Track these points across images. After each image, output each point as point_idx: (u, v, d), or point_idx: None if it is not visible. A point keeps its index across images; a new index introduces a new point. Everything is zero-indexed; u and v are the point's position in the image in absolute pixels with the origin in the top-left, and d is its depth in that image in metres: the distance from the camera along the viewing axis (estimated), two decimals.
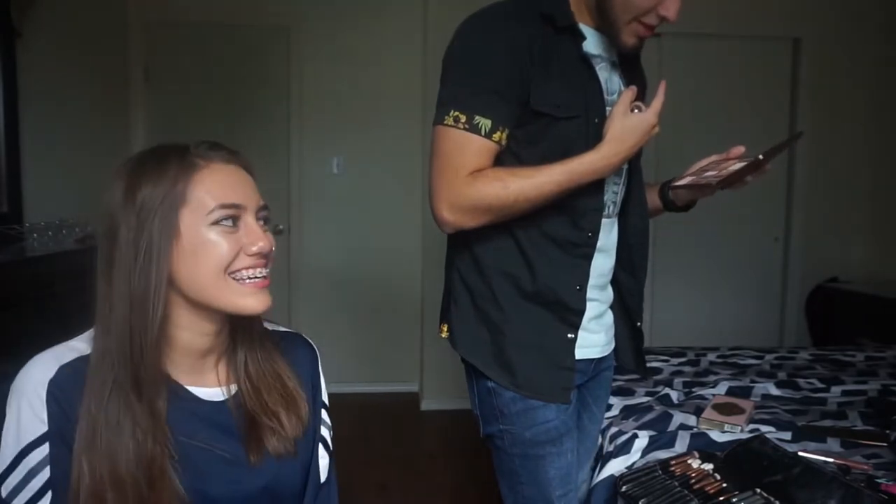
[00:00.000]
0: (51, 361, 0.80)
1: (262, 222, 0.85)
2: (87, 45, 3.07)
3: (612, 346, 1.37)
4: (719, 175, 1.18)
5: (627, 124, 1.11)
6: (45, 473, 0.78)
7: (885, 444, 1.58)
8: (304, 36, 3.68)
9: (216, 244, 0.80)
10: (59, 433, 0.78)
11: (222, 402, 0.88)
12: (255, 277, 0.82)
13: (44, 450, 0.78)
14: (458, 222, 1.14)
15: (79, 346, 0.83)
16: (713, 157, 1.28)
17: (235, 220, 0.81)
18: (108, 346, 0.79)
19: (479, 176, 1.10)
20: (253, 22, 3.66)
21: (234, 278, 0.81)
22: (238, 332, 0.90)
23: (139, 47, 3.55)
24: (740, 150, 1.25)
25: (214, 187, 0.80)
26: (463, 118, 1.10)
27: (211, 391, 0.88)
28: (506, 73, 1.10)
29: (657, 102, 1.13)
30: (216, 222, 0.80)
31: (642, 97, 1.31)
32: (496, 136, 1.11)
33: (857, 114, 3.80)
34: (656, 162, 3.37)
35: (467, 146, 1.11)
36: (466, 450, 3.07)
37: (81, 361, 0.81)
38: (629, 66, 1.29)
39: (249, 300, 0.82)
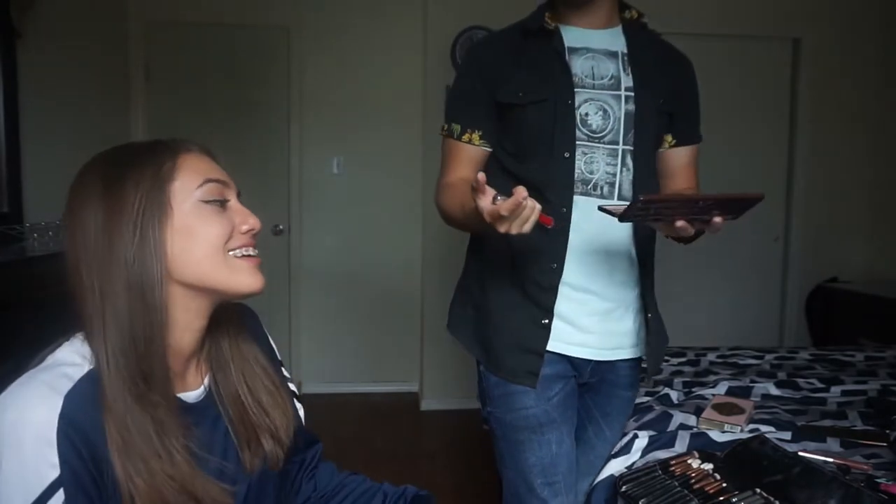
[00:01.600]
0: (50, 395, 0.70)
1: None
2: (87, 45, 3.07)
3: (622, 355, 1.34)
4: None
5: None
6: None
7: (884, 444, 1.58)
8: (304, 36, 3.68)
9: (209, 222, 0.79)
10: (73, 475, 0.69)
11: (204, 399, 0.86)
12: (250, 255, 0.82)
13: (59, 497, 0.68)
14: (439, 212, 1.34)
15: (67, 370, 0.74)
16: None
17: (223, 202, 0.81)
18: (109, 344, 0.74)
19: (446, 187, 1.30)
20: (253, 22, 3.66)
21: (232, 255, 0.81)
22: (223, 331, 0.88)
23: (139, 47, 3.55)
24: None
25: (200, 166, 0.81)
26: (445, 126, 1.34)
27: (194, 393, 0.86)
28: (473, 85, 1.30)
29: (501, 205, 0.99)
30: (205, 201, 0.79)
31: (683, 74, 1.40)
32: (465, 137, 1.31)
33: (857, 114, 3.80)
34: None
35: (448, 148, 1.34)
36: (466, 450, 3.07)
37: (84, 382, 0.73)
38: (639, 53, 1.32)
39: (249, 278, 0.81)
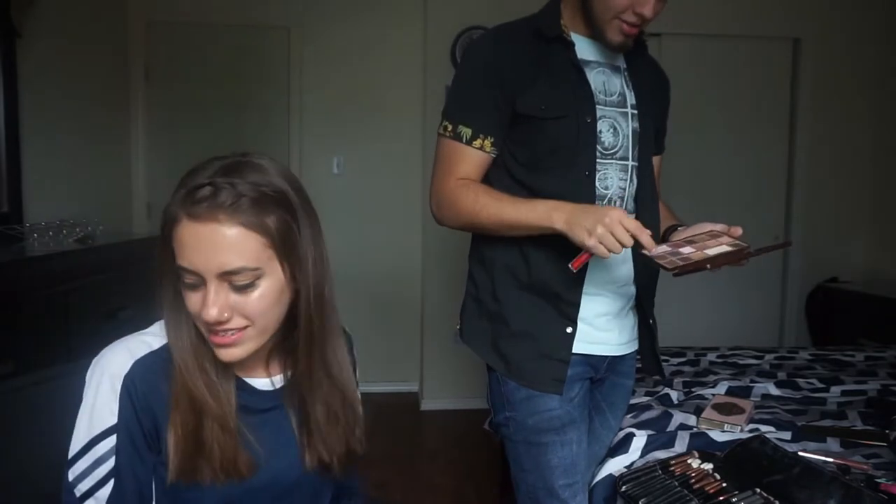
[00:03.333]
0: (125, 356, 0.83)
1: (232, 285, 0.80)
2: (87, 45, 3.07)
3: (632, 348, 1.39)
4: (688, 258, 1.13)
5: (595, 211, 1.12)
6: (111, 463, 0.82)
7: (884, 444, 1.58)
8: (304, 36, 3.68)
9: (188, 298, 0.83)
10: (126, 428, 0.82)
11: (270, 393, 0.92)
12: (219, 335, 0.82)
13: (112, 440, 0.81)
14: (440, 218, 1.31)
15: (149, 339, 0.87)
16: (718, 227, 1.23)
17: (194, 285, 0.81)
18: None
19: (463, 186, 1.25)
20: (253, 22, 3.66)
21: (209, 333, 0.84)
22: (308, 330, 0.90)
23: (139, 47, 3.55)
24: (738, 231, 1.21)
25: (181, 246, 0.80)
26: (450, 127, 1.27)
27: (259, 381, 0.92)
28: (487, 88, 1.23)
29: (643, 235, 1.10)
30: (181, 279, 0.82)
31: (665, 96, 1.44)
32: (476, 142, 1.25)
33: (857, 114, 3.80)
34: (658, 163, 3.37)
35: (453, 152, 1.27)
36: (466, 450, 3.07)
37: (154, 356, 0.85)
38: (636, 70, 1.34)
39: (220, 352, 0.84)
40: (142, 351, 0.85)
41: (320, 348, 0.91)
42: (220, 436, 0.84)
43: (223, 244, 0.78)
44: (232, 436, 0.85)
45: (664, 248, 1.18)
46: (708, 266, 1.11)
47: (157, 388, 0.83)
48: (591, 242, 1.10)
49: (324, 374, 0.92)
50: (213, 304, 0.79)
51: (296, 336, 0.90)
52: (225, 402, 0.86)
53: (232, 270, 0.79)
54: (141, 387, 0.82)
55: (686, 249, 1.16)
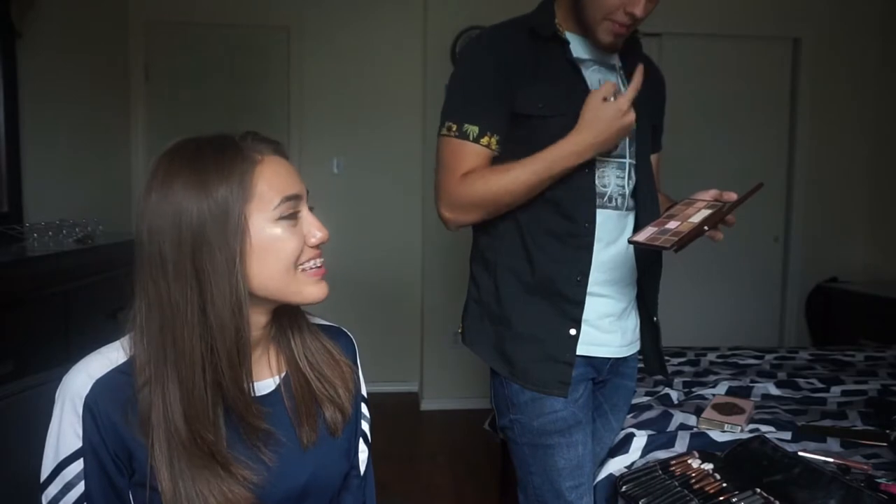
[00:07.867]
0: (82, 375, 0.79)
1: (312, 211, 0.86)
2: (87, 45, 3.07)
3: (633, 350, 1.38)
4: (679, 231, 1.13)
5: (599, 113, 1.16)
6: (81, 487, 0.78)
7: (885, 444, 1.58)
8: (304, 36, 3.68)
9: (284, 240, 0.80)
10: (93, 450, 0.78)
11: (274, 391, 0.89)
12: (317, 266, 0.84)
13: (79, 464, 0.78)
14: (456, 219, 1.27)
15: (113, 354, 0.81)
16: (710, 193, 1.27)
17: (296, 213, 0.82)
18: (173, 373, 0.77)
19: (468, 176, 1.23)
20: (253, 22, 3.66)
21: (302, 270, 0.83)
22: (285, 319, 0.91)
23: (139, 47, 3.55)
24: (733, 195, 1.25)
25: (275, 180, 0.81)
26: (454, 127, 1.25)
27: (263, 384, 0.88)
28: (490, 87, 1.23)
29: (630, 90, 1.16)
30: (280, 217, 0.80)
31: (660, 94, 1.44)
32: (483, 140, 1.23)
33: (857, 114, 3.80)
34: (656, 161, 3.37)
35: (459, 151, 1.24)
36: (466, 450, 3.07)
37: (116, 373, 0.80)
38: (631, 68, 1.32)
39: (314, 289, 0.83)
40: (103, 369, 0.79)
41: (307, 323, 0.95)
42: (216, 480, 0.78)
43: (296, 171, 0.86)
44: (229, 474, 0.79)
45: (650, 230, 1.16)
46: (706, 228, 1.12)
47: (121, 407, 0.78)
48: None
49: (303, 339, 0.93)
50: (320, 224, 0.83)
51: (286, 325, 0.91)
52: (220, 432, 0.80)
53: (307, 192, 0.85)
54: (104, 407, 0.77)
55: (672, 224, 1.16)
